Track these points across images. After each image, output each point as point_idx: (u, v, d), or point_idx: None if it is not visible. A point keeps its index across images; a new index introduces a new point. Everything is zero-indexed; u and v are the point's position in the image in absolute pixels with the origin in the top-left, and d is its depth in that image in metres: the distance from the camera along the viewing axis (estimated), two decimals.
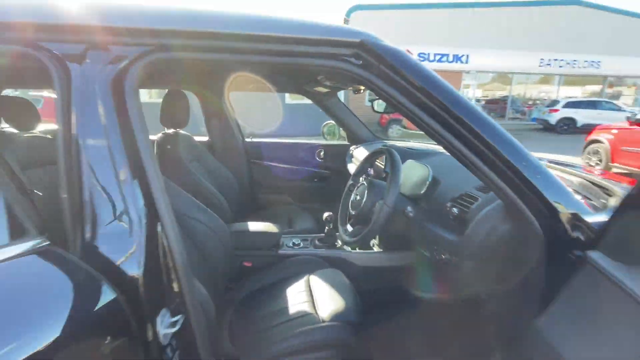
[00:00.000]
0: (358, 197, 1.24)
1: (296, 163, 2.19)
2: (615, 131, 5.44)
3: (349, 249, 1.44)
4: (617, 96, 18.04)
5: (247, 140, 2.14)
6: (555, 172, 0.77)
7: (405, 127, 11.15)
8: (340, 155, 2.14)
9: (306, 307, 1.05)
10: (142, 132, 0.64)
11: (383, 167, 1.40)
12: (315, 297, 1.10)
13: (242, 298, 1.20)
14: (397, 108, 0.80)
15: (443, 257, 0.98)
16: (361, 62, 0.74)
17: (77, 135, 0.60)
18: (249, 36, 0.69)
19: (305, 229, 1.70)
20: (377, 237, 1.49)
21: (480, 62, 14.80)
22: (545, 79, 17.53)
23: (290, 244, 1.48)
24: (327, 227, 1.47)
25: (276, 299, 1.13)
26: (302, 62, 0.75)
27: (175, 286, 0.65)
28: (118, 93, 0.63)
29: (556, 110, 13.43)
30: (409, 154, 1.47)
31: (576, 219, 0.66)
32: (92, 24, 0.63)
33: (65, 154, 0.59)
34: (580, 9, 15.31)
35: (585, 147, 6.03)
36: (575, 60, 15.65)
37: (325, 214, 1.45)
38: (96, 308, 0.52)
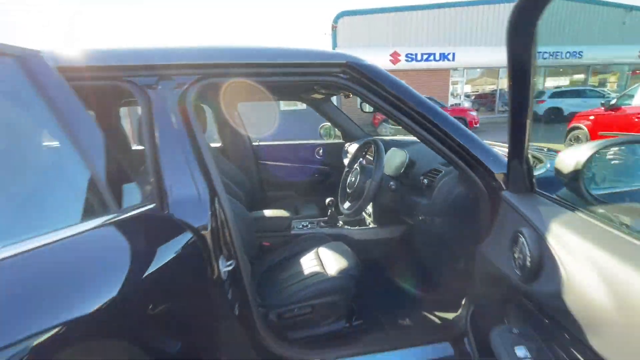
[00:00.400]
0: (353, 179, 1.54)
1: (298, 161, 2.50)
2: (592, 117, 5.79)
3: (349, 227, 1.74)
4: (603, 83, 18.56)
5: (255, 144, 2.44)
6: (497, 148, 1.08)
7: (394, 126, 11.52)
8: (337, 152, 2.44)
9: (317, 268, 1.33)
10: (200, 133, 0.94)
11: (372, 156, 1.71)
12: (323, 262, 1.38)
13: (264, 270, 1.48)
14: (377, 108, 1.10)
15: (420, 218, 1.27)
16: (347, 76, 1.04)
17: (158, 136, 0.89)
18: (264, 63, 1.00)
19: (310, 215, 1.99)
20: (372, 214, 1.78)
21: (466, 59, 15.25)
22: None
23: (300, 226, 1.77)
24: (329, 210, 1.77)
25: (292, 266, 1.42)
26: (304, 79, 1.05)
27: (228, 240, 0.94)
28: (182, 107, 0.92)
29: (542, 102, 13.86)
30: (392, 144, 1.78)
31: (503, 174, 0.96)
32: (160, 63, 0.93)
33: (150, 149, 0.88)
34: (559, 2, 15.83)
35: (567, 134, 6.38)
36: (557, 52, 16.16)
37: (328, 199, 1.74)
38: (184, 246, 0.80)
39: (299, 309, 1.19)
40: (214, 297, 0.90)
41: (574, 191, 0.72)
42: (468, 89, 19.09)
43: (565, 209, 0.71)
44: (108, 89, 0.94)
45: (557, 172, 0.76)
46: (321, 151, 2.50)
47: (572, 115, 6.50)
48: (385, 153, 1.50)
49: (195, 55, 0.98)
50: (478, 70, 17.09)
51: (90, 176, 0.68)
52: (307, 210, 2.11)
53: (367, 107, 2.17)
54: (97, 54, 0.90)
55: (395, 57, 14.42)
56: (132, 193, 0.80)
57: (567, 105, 13.57)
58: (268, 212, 1.72)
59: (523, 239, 0.69)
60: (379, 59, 14.26)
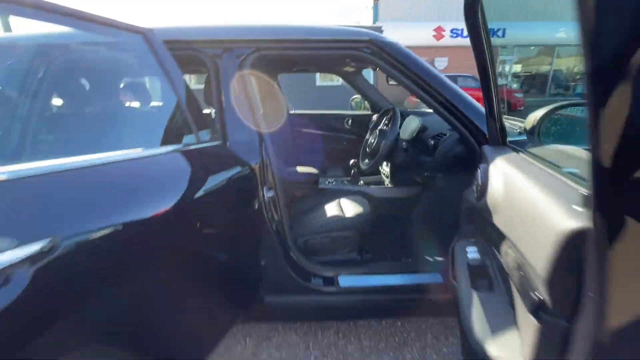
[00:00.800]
0: (372, 140, 1.80)
1: (329, 130, 2.76)
2: None
3: (369, 185, 2.01)
4: None
5: (291, 112, 2.74)
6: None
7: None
8: (365, 123, 2.66)
9: (337, 211, 1.64)
10: (253, 93, 1.24)
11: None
12: (343, 207, 1.68)
13: (293, 214, 1.81)
14: (394, 79, 1.33)
15: (426, 174, 1.51)
16: (370, 51, 1.27)
17: (223, 92, 1.20)
18: (303, 39, 1.26)
19: (336, 175, 2.28)
20: (389, 175, 2.04)
21: (518, 35, 14.12)
22: None
23: (326, 182, 2.07)
24: (352, 171, 2.04)
25: (318, 209, 1.73)
26: (335, 52, 1.30)
27: (270, 175, 1.26)
28: (240, 73, 1.23)
29: None
30: (411, 113, 1.99)
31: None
32: (224, 38, 1.23)
33: (217, 103, 1.20)
34: None
35: None
36: None
37: (351, 161, 2.02)
38: (238, 172, 1.13)
39: (320, 238, 1.52)
40: (258, 215, 1.24)
41: (531, 141, 0.93)
42: (518, 68, 17.74)
43: (514, 153, 0.94)
44: (189, 57, 1.26)
45: (524, 128, 0.96)
46: (350, 121, 2.74)
47: None
48: (403, 120, 1.72)
49: (250, 32, 1.27)
50: (531, 48, 15.73)
51: (185, 118, 1.02)
52: (334, 171, 2.40)
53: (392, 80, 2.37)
54: (179, 31, 1.23)
55: (439, 32, 13.74)
56: (206, 133, 1.13)
57: None
58: (300, 168, 2.03)
59: (479, 171, 0.92)
60: (421, 34, 13.68)
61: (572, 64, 17.03)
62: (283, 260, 1.33)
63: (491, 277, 0.81)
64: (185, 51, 1.23)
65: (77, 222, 0.60)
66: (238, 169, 1.14)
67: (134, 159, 0.83)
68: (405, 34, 13.55)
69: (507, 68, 15.58)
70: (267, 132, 1.30)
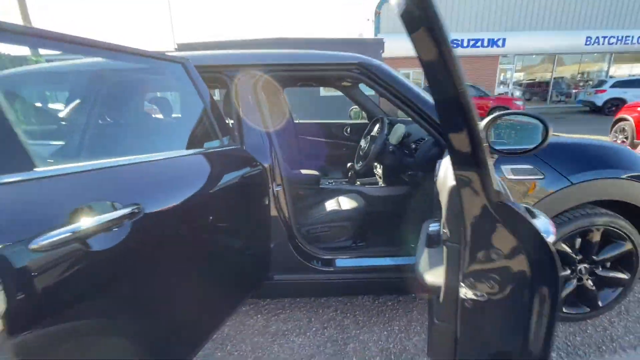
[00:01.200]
0: (364, 145, 2.07)
1: (330, 137, 3.05)
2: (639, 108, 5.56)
3: (364, 185, 2.27)
4: None
5: (296, 121, 3.03)
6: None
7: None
8: (362, 131, 2.95)
9: (336, 207, 1.90)
10: (264, 106, 1.53)
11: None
12: (340, 203, 1.95)
13: (298, 208, 2.08)
14: (379, 94, 1.61)
15: (409, 173, 1.78)
16: (359, 72, 1.56)
17: (241, 106, 1.49)
18: (303, 64, 1.55)
19: (336, 177, 2.55)
20: (382, 176, 2.30)
21: (518, 44, 14.42)
22: (597, 58, 16.42)
23: (327, 183, 2.34)
24: (350, 173, 2.31)
25: (319, 206, 2.00)
26: (331, 73, 1.59)
27: (278, 172, 1.54)
28: (255, 90, 1.52)
29: (603, 91, 12.78)
30: (400, 121, 2.27)
31: None
32: (240, 63, 1.53)
33: (235, 114, 1.49)
34: None
35: (613, 125, 6.15)
36: (628, 37, 14.60)
37: (349, 164, 2.29)
38: (251, 169, 1.41)
39: (321, 228, 1.78)
40: (268, 206, 1.51)
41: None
42: (521, 76, 17.98)
43: None
44: (213, 78, 1.56)
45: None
46: (349, 129, 3.02)
47: None
48: (392, 127, 2.00)
49: (261, 58, 1.57)
50: (534, 56, 15.97)
51: (213, 126, 1.31)
52: (334, 173, 2.68)
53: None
54: (205, 58, 1.53)
55: None
56: (227, 139, 1.42)
57: (632, 96, 12.32)
58: (303, 170, 2.31)
59: (437, 165, 1.19)
60: None
61: (574, 71, 17.23)
62: (289, 244, 1.59)
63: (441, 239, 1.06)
64: (211, 73, 1.53)
65: (150, 197, 0.88)
66: (257, 168, 1.42)
67: (183, 155, 1.13)
68: (405, 46, 13.94)
69: (508, 76, 15.82)
70: (275, 138, 1.58)
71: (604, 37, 14.61)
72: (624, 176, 1.46)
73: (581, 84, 16.78)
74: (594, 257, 1.56)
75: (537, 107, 15.71)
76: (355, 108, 3.22)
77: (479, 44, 14.30)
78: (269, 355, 1.50)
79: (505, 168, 1.44)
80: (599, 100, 12.69)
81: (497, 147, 1.22)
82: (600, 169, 1.45)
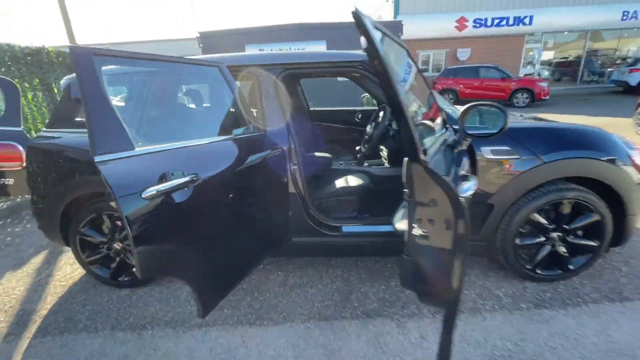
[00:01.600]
0: (370, 130, 2.35)
1: (342, 123, 3.34)
2: None
3: (371, 166, 2.57)
4: None
5: (311, 109, 3.33)
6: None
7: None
8: (371, 116, 3.21)
9: (344, 184, 2.22)
10: (284, 98, 1.85)
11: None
12: (349, 181, 2.26)
13: (313, 185, 2.42)
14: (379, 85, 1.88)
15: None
16: (362, 68, 1.83)
17: (264, 98, 1.82)
18: (315, 62, 1.84)
19: (346, 159, 2.86)
20: (387, 157, 2.58)
21: (546, 22, 13.71)
22: (636, 34, 15.30)
23: (338, 164, 2.66)
24: (358, 155, 2.61)
25: (330, 183, 2.32)
26: (339, 70, 1.88)
27: (294, 154, 1.86)
28: (274, 85, 1.84)
29: (638, 70, 12.07)
30: None
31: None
32: (264, 63, 1.84)
33: (259, 105, 1.82)
34: None
35: (637, 107, 6.00)
36: None
37: (357, 147, 2.58)
38: (273, 151, 1.74)
39: (331, 201, 2.12)
40: (286, 182, 1.84)
41: (459, 128, 1.45)
42: (550, 55, 17.11)
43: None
44: (242, 75, 1.88)
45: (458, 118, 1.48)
46: (360, 115, 3.29)
47: None
48: None
49: (280, 58, 1.87)
50: (565, 33, 15.09)
51: (245, 118, 1.64)
52: (345, 156, 2.98)
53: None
54: (234, 59, 1.85)
55: (461, 23, 13.68)
56: (254, 126, 1.75)
57: None
58: (317, 153, 2.63)
59: None
60: (443, 26, 13.68)
61: (609, 49, 16.18)
62: (304, 213, 1.93)
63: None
64: (240, 72, 1.86)
65: (204, 170, 1.25)
66: (277, 150, 1.75)
67: (223, 140, 1.49)
68: (426, 27, 13.68)
69: (535, 55, 15.13)
70: (292, 125, 1.90)
71: (635, 11, 13.60)
72: (591, 157, 1.68)
73: (618, 62, 15.78)
74: (566, 227, 1.80)
75: (566, 88, 15.02)
76: (367, 95, 3.48)
77: (503, 22, 13.72)
78: (288, 301, 1.88)
79: (486, 149, 1.69)
80: (633, 79, 11.98)
81: (470, 132, 1.49)
82: (569, 150, 1.68)
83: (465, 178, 1.14)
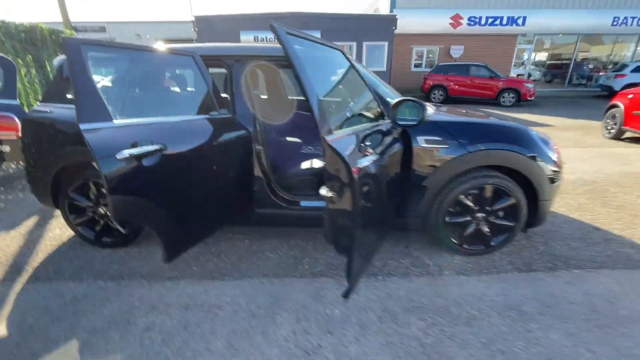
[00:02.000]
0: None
1: None
2: (631, 96, 5.74)
3: None
4: None
5: (290, 98, 3.58)
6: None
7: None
8: None
9: (308, 165, 2.50)
10: (253, 86, 2.11)
11: None
12: (313, 164, 2.54)
13: (280, 165, 2.70)
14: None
15: None
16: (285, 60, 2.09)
17: (235, 86, 2.07)
18: (277, 55, 2.10)
19: (317, 145, 3.14)
20: None
21: (539, 23, 13.97)
22: (625, 40, 15.65)
23: (307, 149, 2.93)
24: None
25: (296, 165, 2.60)
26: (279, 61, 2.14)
27: (260, 136, 2.14)
28: (245, 75, 2.09)
29: (623, 76, 12.43)
30: None
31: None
32: (235, 54, 2.09)
33: (230, 92, 2.08)
34: None
35: (606, 111, 6.34)
36: None
37: None
38: (240, 134, 2.01)
39: (294, 179, 2.40)
40: (251, 161, 2.12)
41: (390, 118, 1.74)
42: (541, 57, 17.40)
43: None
44: (214, 65, 2.13)
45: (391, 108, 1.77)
46: (333, 107, 3.55)
47: None
48: None
49: (249, 50, 2.12)
50: (560, 35, 15.39)
51: (214, 102, 1.90)
52: (316, 142, 3.26)
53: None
54: (208, 49, 2.10)
55: (456, 20, 13.86)
56: (224, 110, 2.02)
57: None
58: (289, 138, 2.91)
59: None
60: (438, 22, 13.84)
61: (599, 53, 16.52)
62: (266, 188, 2.22)
63: None
64: (214, 61, 2.11)
65: (172, 142, 1.52)
66: (242, 131, 2.02)
67: (190, 119, 1.75)
68: (422, 21, 13.83)
69: (526, 56, 15.42)
70: (259, 111, 2.16)
71: (633, 18, 13.91)
72: (510, 149, 1.98)
73: (609, 66, 16.15)
74: (488, 208, 2.12)
75: (554, 90, 15.39)
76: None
77: (497, 21, 13.94)
78: (249, 263, 2.18)
79: (421, 138, 1.99)
80: (618, 85, 12.37)
81: (399, 122, 1.78)
82: (490, 143, 1.98)
83: (367, 155, 1.41)
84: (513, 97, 10.92)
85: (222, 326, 1.62)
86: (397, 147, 1.87)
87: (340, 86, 1.99)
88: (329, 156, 1.25)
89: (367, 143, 1.55)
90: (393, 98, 2.07)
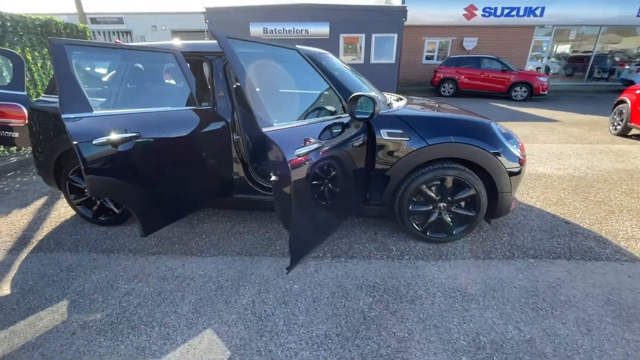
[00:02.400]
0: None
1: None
2: (638, 91, 5.57)
3: None
4: None
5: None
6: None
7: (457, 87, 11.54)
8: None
9: None
10: (232, 80, 2.28)
11: None
12: None
13: (259, 155, 2.88)
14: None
15: None
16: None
17: (214, 80, 2.25)
18: (251, 52, 2.26)
19: None
20: None
21: (558, 14, 13.41)
22: None
23: None
24: None
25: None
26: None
27: (237, 126, 2.32)
28: (224, 70, 2.27)
29: None
30: None
31: None
32: (216, 51, 2.27)
33: (211, 85, 2.26)
34: None
35: (614, 107, 6.18)
36: None
37: None
38: (220, 125, 2.20)
39: (263, 166, 2.58)
40: (229, 149, 2.30)
41: (348, 112, 1.88)
42: (562, 49, 16.73)
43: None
44: (194, 61, 2.31)
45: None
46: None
47: None
48: None
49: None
50: (584, 27, 14.70)
51: (193, 96, 2.09)
52: None
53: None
54: (189, 46, 2.27)
55: (470, 11, 13.50)
56: (205, 103, 2.20)
57: None
58: None
59: None
60: (451, 13, 13.54)
61: (623, 45, 15.74)
62: (244, 174, 2.40)
63: None
64: (195, 57, 2.29)
65: (145, 130, 1.71)
66: (222, 122, 2.21)
67: (169, 110, 1.94)
68: (433, 12, 13.55)
69: (544, 49, 14.88)
70: (237, 103, 2.34)
71: None
72: (468, 143, 2.08)
73: (638, 60, 15.37)
74: (449, 198, 2.23)
75: (572, 83, 14.84)
76: None
77: (514, 12, 13.48)
78: (227, 242, 2.39)
79: (383, 131, 2.11)
80: (638, 79, 11.86)
81: (357, 116, 1.91)
82: (448, 136, 2.08)
83: (307, 145, 1.55)
84: (525, 91, 10.63)
85: (191, 294, 1.83)
86: (362, 138, 2.01)
87: (293, 82, 2.13)
88: (269, 146, 1.42)
89: (321, 134, 1.70)
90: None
